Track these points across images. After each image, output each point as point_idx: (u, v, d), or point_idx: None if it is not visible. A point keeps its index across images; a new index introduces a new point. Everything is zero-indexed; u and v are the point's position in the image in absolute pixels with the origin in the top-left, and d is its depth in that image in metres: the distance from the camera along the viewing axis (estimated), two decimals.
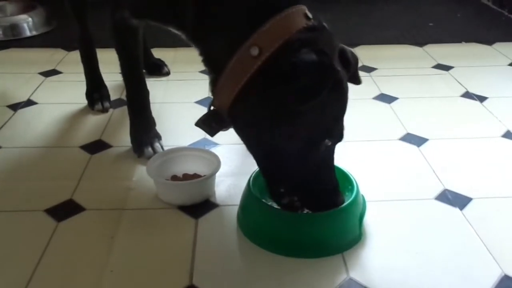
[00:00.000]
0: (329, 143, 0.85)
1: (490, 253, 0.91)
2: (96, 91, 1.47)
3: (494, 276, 0.86)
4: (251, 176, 1.00)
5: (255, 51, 0.77)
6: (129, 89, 1.21)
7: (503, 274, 0.86)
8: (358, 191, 0.96)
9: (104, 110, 1.45)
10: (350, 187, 0.98)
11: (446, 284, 0.84)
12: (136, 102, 1.23)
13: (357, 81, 0.93)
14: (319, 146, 0.84)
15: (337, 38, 0.84)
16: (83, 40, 1.46)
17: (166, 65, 1.70)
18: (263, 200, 0.95)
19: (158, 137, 1.24)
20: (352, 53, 0.88)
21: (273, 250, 0.91)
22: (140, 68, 1.22)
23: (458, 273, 0.87)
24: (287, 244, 0.91)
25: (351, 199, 0.93)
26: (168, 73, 1.69)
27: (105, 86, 1.50)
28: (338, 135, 0.86)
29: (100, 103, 1.45)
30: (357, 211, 0.94)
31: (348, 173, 1.01)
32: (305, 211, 0.93)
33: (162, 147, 1.22)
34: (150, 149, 1.20)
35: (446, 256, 0.91)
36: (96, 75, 1.50)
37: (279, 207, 0.92)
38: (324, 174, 0.88)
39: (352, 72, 0.88)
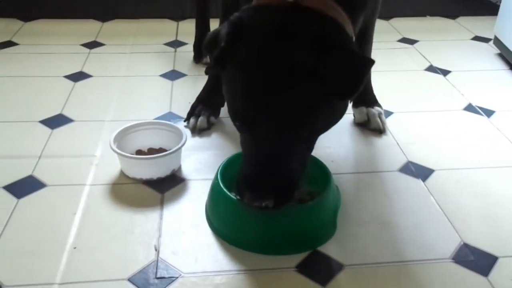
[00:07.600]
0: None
1: (450, 223, 0.94)
2: None
3: (454, 245, 0.89)
4: (220, 166, 0.94)
5: None
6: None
7: (462, 243, 0.89)
8: (331, 183, 0.90)
9: None
10: (323, 178, 0.92)
11: (408, 253, 0.87)
12: None
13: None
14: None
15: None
16: None
17: None
18: (232, 194, 0.86)
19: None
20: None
21: (241, 247, 0.86)
22: None
23: (419, 242, 0.89)
24: (255, 241, 0.86)
25: (324, 193, 0.88)
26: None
27: None
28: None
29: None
30: (331, 205, 0.90)
31: (321, 163, 0.95)
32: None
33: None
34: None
35: (408, 226, 0.93)
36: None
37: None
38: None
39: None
